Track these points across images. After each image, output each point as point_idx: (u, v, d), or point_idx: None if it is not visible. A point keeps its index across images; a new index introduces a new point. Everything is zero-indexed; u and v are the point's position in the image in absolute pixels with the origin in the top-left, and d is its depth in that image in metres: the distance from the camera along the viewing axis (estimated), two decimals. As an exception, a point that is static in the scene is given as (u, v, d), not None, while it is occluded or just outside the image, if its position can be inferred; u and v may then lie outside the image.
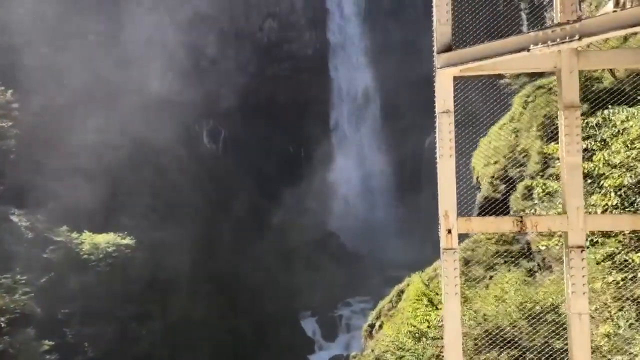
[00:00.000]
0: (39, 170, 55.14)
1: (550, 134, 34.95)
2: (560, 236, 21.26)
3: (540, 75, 41.60)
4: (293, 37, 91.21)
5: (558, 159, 14.27)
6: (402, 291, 40.91)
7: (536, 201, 38.45)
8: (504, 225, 7.91)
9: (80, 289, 49.88)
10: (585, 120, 14.75)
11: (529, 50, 6.72)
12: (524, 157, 37.21)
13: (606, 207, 10.54)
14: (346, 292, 77.18)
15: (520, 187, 35.88)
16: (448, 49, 7.54)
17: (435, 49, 7.64)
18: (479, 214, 44.08)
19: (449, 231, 7.59)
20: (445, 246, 7.65)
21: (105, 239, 52.21)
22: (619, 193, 10.57)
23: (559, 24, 6.58)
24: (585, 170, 12.50)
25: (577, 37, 6.40)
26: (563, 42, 6.48)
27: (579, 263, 7.40)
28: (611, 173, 10.89)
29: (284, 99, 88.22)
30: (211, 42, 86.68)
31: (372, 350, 38.26)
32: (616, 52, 7.52)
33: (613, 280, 10.77)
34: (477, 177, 45.90)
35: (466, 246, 39.38)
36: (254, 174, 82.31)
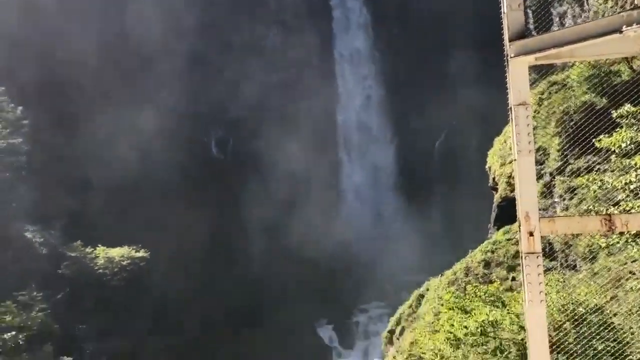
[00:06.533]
0: (51, 184, 54.83)
1: (569, 130, 34.31)
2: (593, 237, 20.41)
3: (551, 70, 40.98)
4: (298, 44, 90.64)
5: (614, 152, 13.62)
6: (421, 296, 40.32)
7: (556, 199, 37.81)
8: (591, 225, 7.31)
9: (97, 304, 49.55)
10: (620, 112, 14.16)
11: (621, 32, 6.17)
12: (541, 155, 36.59)
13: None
14: (361, 298, 76.57)
15: (539, 185, 35.20)
16: (522, 36, 7.00)
17: (506, 36, 7.08)
18: (496, 214, 43.52)
19: (531, 234, 7.00)
20: (527, 250, 7.06)
21: (120, 252, 51.88)
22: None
23: (658, 1, 6.04)
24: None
25: (680, 13, 5.86)
26: (662, 21, 5.93)
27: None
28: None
29: (292, 105, 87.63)
30: (216, 51, 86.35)
31: (394, 357, 37.66)
32: None
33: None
34: (494, 177, 45.28)
35: (485, 248, 38.85)
36: (264, 184, 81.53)
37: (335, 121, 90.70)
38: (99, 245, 51.98)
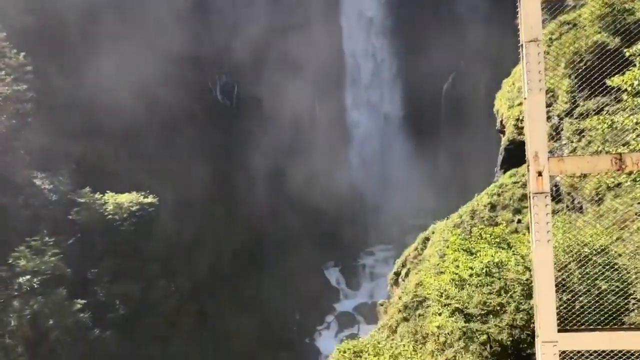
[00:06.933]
0: (58, 132, 54.77)
1: (579, 71, 33.60)
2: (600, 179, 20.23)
3: (562, 8, 39.73)
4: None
5: (626, 90, 13.36)
6: (427, 238, 40.72)
7: (564, 141, 37.48)
8: (601, 164, 7.20)
9: (107, 249, 50.35)
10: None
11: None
12: (550, 97, 36.05)
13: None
14: (367, 241, 77.52)
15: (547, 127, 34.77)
16: (535, -31, 6.70)
17: (519, -31, 6.79)
18: (503, 157, 43.28)
19: (540, 173, 6.93)
20: (535, 190, 7.00)
21: (128, 198, 52.21)
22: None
23: None
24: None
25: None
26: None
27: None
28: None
29: (295, 51, 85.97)
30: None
31: (400, 298, 38.40)
32: None
33: None
34: (502, 120, 44.85)
35: (491, 191, 38.88)
36: (269, 130, 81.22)
37: (342, 64, 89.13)
38: (107, 192, 52.33)
